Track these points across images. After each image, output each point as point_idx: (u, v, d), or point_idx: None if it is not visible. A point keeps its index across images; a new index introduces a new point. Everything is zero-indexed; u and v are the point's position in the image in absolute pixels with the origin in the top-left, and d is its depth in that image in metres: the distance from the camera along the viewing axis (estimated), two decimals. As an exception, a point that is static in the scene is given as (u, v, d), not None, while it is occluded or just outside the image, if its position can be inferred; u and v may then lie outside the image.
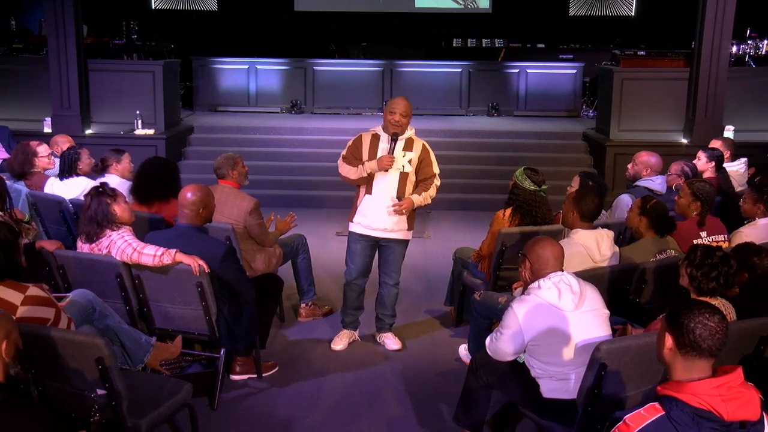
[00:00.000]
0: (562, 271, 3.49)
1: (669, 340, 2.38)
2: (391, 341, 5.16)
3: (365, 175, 4.85)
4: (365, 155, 4.90)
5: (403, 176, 4.86)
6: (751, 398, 2.29)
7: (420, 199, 4.87)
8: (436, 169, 4.95)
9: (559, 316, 3.35)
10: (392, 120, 4.81)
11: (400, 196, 4.85)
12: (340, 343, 5.12)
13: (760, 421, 2.31)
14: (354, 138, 5.01)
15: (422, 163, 4.91)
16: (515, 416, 3.85)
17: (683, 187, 4.91)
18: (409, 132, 4.91)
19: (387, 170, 4.82)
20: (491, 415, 3.94)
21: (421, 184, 4.92)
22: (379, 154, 4.84)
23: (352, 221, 5.00)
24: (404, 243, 5.05)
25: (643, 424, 2.27)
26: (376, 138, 4.91)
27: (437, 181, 4.96)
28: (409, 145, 4.89)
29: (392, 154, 4.80)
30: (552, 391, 3.40)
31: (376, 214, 4.88)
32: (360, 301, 5.16)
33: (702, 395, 2.26)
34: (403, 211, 4.81)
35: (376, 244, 5.02)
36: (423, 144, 4.96)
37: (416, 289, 6.34)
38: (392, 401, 4.45)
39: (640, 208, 4.49)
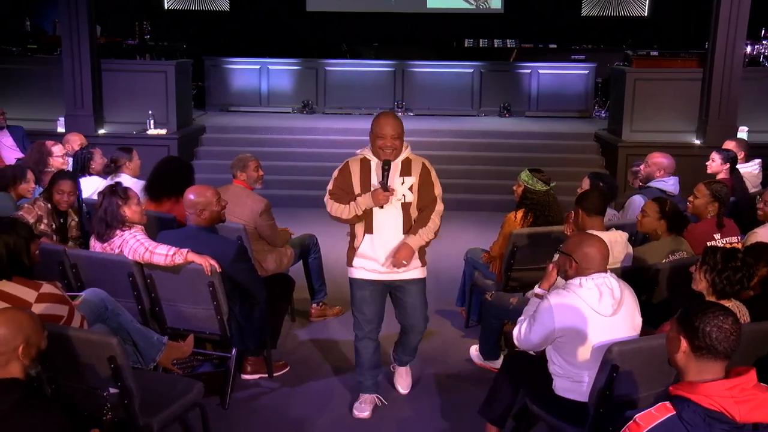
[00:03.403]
0: (606, 272, 3.36)
1: (684, 344, 2.36)
2: (402, 379, 4.54)
3: (360, 213, 4.02)
4: (357, 187, 4.03)
5: (406, 207, 4.03)
6: (765, 400, 2.28)
7: (418, 240, 4.02)
8: (438, 190, 4.12)
9: (594, 319, 3.26)
10: (383, 146, 3.94)
11: (407, 231, 4.05)
12: (366, 410, 4.26)
13: None
14: (340, 167, 4.12)
15: (423, 187, 4.06)
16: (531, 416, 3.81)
17: (700, 187, 4.87)
18: (405, 152, 4.07)
19: (383, 206, 4.01)
20: (516, 410, 3.88)
21: (419, 216, 4.07)
22: (374, 186, 4.03)
23: (352, 266, 4.16)
24: (422, 282, 4.23)
25: (654, 424, 2.27)
26: (366, 164, 4.05)
27: (439, 206, 4.12)
28: (406, 169, 4.04)
29: (388, 185, 3.96)
30: (565, 390, 3.38)
31: (382, 255, 4.06)
32: (376, 358, 4.31)
33: (714, 396, 2.25)
34: (404, 261, 4.01)
35: (387, 288, 4.20)
36: (423, 163, 4.11)
37: (428, 289, 6.31)
38: (403, 401, 4.44)
39: (659, 213, 4.45)
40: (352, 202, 4.00)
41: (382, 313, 4.26)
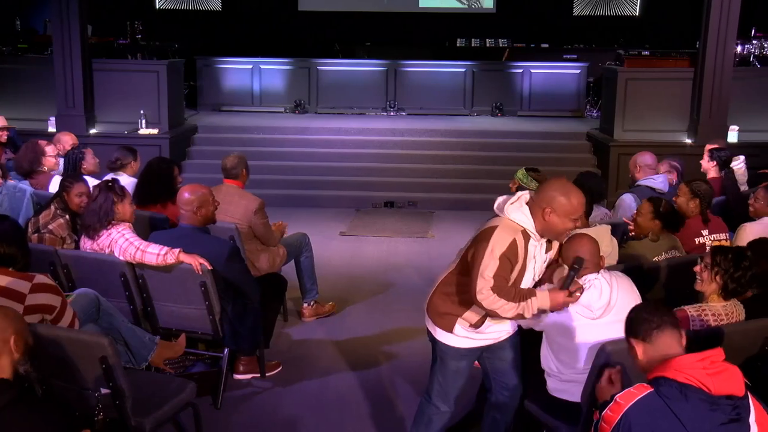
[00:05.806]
0: (598, 272, 3.30)
1: (636, 346, 2.55)
2: None
3: (528, 316, 3.18)
4: (515, 272, 3.18)
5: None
6: (735, 373, 2.38)
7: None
8: None
9: (579, 320, 3.26)
10: (571, 229, 3.23)
11: None
12: None
13: (746, 398, 2.38)
14: (504, 249, 3.12)
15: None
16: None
17: (681, 186, 4.91)
18: None
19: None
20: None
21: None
22: (532, 266, 3.24)
23: (452, 332, 3.38)
24: (518, 334, 3.55)
25: (634, 401, 2.37)
26: (526, 239, 3.19)
27: None
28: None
29: (573, 290, 3.13)
30: (557, 391, 3.39)
31: (497, 326, 3.41)
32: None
33: (687, 370, 2.35)
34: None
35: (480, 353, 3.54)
36: None
37: (421, 288, 6.32)
38: (397, 401, 4.44)
39: (653, 213, 4.44)
40: (523, 303, 3.11)
41: None
